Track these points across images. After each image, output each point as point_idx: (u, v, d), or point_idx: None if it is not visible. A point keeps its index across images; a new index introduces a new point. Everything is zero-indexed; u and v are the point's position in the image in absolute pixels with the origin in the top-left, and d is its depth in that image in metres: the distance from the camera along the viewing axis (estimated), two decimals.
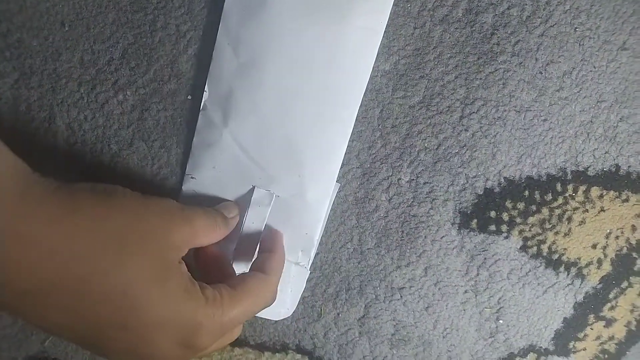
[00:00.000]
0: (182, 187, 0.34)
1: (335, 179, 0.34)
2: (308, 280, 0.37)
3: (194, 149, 0.34)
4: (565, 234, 0.37)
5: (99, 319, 0.23)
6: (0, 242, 0.21)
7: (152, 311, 0.24)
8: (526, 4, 0.33)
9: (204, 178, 0.34)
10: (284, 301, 0.36)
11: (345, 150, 0.34)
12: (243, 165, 0.33)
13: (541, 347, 0.40)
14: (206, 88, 0.33)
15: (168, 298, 0.24)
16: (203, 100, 0.33)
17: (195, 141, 0.34)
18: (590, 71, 0.34)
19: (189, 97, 0.33)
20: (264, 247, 0.33)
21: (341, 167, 0.35)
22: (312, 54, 0.31)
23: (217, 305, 0.26)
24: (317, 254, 0.37)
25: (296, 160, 0.33)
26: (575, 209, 0.37)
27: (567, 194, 0.36)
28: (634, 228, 0.38)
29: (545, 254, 0.38)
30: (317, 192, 0.34)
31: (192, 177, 0.34)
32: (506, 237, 0.37)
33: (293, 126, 0.32)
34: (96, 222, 0.23)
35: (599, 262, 0.38)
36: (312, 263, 0.37)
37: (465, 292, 0.38)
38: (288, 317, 0.37)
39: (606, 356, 0.41)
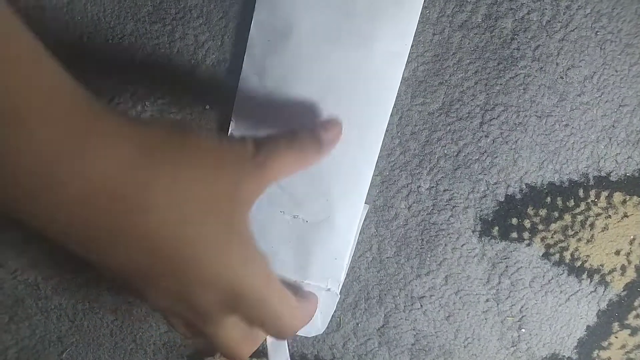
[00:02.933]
0: None
1: (364, 202, 0.34)
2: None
3: None
4: (588, 241, 0.37)
5: (155, 266, 0.22)
6: (65, 185, 0.19)
7: (207, 271, 0.22)
8: (546, 9, 0.32)
9: None
10: (314, 323, 0.36)
11: (372, 173, 0.33)
12: (269, 191, 0.32)
13: (564, 356, 0.39)
14: (232, 117, 0.33)
15: (227, 263, 0.23)
16: (230, 130, 0.33)
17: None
18: (612, 75, 0.33)
19: (207, 107, 0.33)
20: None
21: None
22: (337, 79, 0.31)
23: (270, 288, 0.25)
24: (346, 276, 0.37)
25: (324, 184, 0.33)
26: (598, 215, 0.36)
27: (589, 200, 0.36)
28: None
29: (567, 261, 0.37)
30: (345, 216, 0.34)
31: None
32: (528, 245, 0.36)
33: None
34: (173, 170, 0.21)
35: (623, 268, 0.37)
36: (342, 285, 0.36)
37: (487, 300, 0.37)
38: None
39: None
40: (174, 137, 0.22)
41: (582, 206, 0.36)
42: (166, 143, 0.22)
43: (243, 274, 0.23)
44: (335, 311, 0.37)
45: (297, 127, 0.28)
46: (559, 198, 0.36)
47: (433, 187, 0.35)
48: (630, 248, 0.37)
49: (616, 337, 0.39)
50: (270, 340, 0.36)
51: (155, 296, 0.24)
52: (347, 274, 0.37)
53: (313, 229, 0.34)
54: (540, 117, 0.34)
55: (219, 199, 0.22)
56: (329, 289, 0.35)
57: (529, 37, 0.33)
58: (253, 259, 0.24)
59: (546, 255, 0.37)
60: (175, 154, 0.21)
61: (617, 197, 0.36)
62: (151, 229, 0.21)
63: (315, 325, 0.36)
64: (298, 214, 0.33)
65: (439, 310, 0.37)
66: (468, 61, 0.33)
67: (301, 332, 0.36)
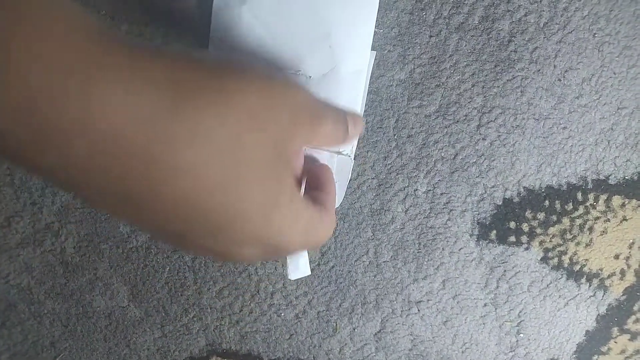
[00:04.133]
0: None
1: (370, 45, 0.30)
2: (323, 289, 0.36)
3: (213, 36, 0.29)
4: (587, 245, 0.36)
5: (192, 231, 0.19)
6: (69, 142, 0.15)
7: (253, 234, 0.20)
8: (543, 11, 0.32)
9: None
10: None
11: (377, 10, 0.29)
12: (267, 46, 0.29)
13: None
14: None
15: (274, 226, 0.20)
16: None
17: (213, 26, 0.29)
18: (610, 77, 0.33)
19: None
20: (314, 185, 0.28)
21: (355, 179, 0.35)
22: None
23: (312, 234, 0.23)
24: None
25: (324, 29, 0.29)
26: (597, 218, 0.36)
27: (588, 203, 0.35)
28: None
29: (566, 265, 0.36)
30: (352, 64, 0.30)
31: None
32: (526, 249, 0.36)
33: None
34: (212, 123, 0.17)
35: (622, 273, 0.37)
36: (350, 177, 0.33)
37: (485, 305, 0.37)
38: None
39: None
40: (213, 79, 0.18)
41: (581, 210, 0.35)
42: (203, 87, 0.17)
43: (289, 236, 0.21)
44: (331, 317, 0.37)
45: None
46: (557, 201, 0.35)
47: (430, 190, 0.35)
48: (630, 252, 0.37)
49: (615, 342, 0.38)
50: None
51: (192, 251, 0.21)
52: (343, 278, 0.36)
53: (318, 84, 0.30)
54: (538, 119, 0.34)
55: (267, 156, 0.19)
56: (341, 152, 0.31)
57: (526, 39, 0.32)
58: (299, 217, 0.22)
59: (544, 260, 0.36)
60: (215, 101, 0.17)
61: (616, 200, 0.35)
62: (187, 194, 0.17)
63: None
64: (300, 69, 0.29)
65: (437, 315, 0.37)
66: (465, 63, 0.33)
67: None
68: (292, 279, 0.33)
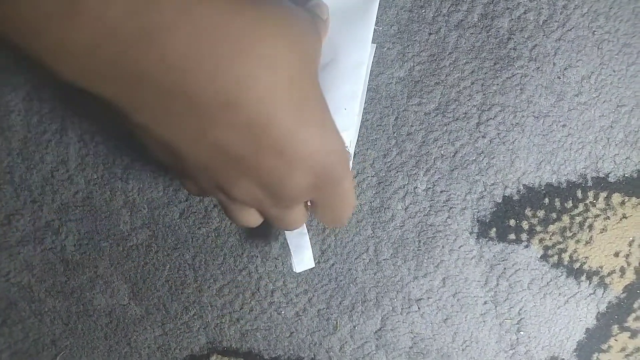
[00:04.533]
0: None
1: (371, 38, 0.29)
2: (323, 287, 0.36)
3: None
4: (587, 242, 0.36)
5: (230, 163, 0.19)
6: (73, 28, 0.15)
7: (296, 151, 0.19)
8: (543, 8, 0.32)
9: None
10: None
11: (378, 1, 0.29)
12: None
13: (563, 359, 0.39)
14: None
15: (313, 137, 0.20)
16: None
17: None
18: (610, 75, 0.33)
19: None
20: None
21: (355, 177, 0.35)
22: None
23: (346, 167, 0.22)
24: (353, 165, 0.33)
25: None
26: (597, 216, 0.36)
27: (587, 201, 0.35)
28: None
29: (566, 262, 0.36)
30: (352, 56, 0.29)
31: None
32: (526, 246, 0.36)
33: None
34: (229, 16, 0.17)
35: (622, 270, 0.37)
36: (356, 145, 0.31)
37: (485, 303, 0.37)
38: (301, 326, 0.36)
39: None
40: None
41: (581, 207, 0.36)
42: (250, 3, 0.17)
43: (329, 148, 0.21)
44: (331, 314, 0.37)
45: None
46: (557, 199, 0.35)
47: (430, 188, 0.35)
48: (630, 249, 0.37)
49: (616, 340, 0.38)
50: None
51: (237, 191, 0.20)
52: (343, 276, 0.36)
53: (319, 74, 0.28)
54: (537, 117, 0.34)
55: (290, 57, 0.18)
56: None
57: (525, 36, 0.32)
58: (332, 126, 0.21)
59: (544, 257, 0.36)
60: (259, 10, 0.17)
61: (616, 198, 0.35)
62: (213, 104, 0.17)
63: None
64: None
65: (437, 313, 0.37)
66: (464, 61, 0.33)
67: None
68: (298, 271, 0.33)
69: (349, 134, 0.30)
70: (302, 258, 0.32)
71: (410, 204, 0.35)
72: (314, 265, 0.33)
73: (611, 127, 0.34)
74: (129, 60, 0.16)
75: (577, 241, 0.36)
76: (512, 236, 0.36)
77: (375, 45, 0.31)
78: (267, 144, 0.19)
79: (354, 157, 0.33)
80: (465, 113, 0.33)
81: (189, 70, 0.16)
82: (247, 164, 0.19)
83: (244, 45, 0.17)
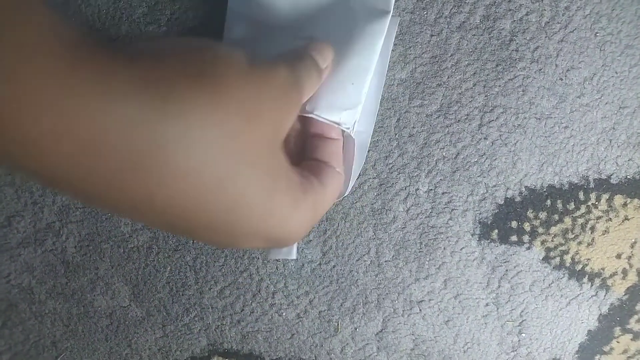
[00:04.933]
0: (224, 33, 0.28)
1: (392, 9, 0.27)
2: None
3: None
4: (589, 244, 0.36)
5: (192, 231, 0.19)
6: (45, 152, 0.15)
7: (255, 228, 0.20)
8: (545, 10, 0.32)
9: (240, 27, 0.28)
10: None
11: None
12: (280, 12, 0.27)
13: None
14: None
15: (276, 217, 0.20)
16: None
17: None
18: (612, 77, 0.33)
19: None
20: (314, 131, 0.27)
21: (357, 178, 0.34)
22: None
23: (309, 209, 0.22)
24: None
25: None
26: (599, 217, 0.36)
27: (590, 203, 0.35)
28: None
29: (568, 264, 0.36)
30: (368, 25, 0.26)
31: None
32: (528, 248, 0.36)
33: None
34: (197, 124, 0.16)
35: (624, 272, 0.37)
36: (358, 131, 0.28)
37: (487, 305, 0.37)
38: (302, 326, 0.36)
39: None
40: (202, 76, 0.17)
41: (583, 209, 0.35)
42: (184, 87, 0.16)
43: (291, 225, 0.21)
44: (332, 316, 0.37)
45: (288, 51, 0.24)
46: (559, 201, 0.35)
47: (431, 189, 0.35)
48: (632, 251, 0.37)
49: (618, 342, 0.38)
50: None
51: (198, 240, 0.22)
52: (344, 278, 0.36)
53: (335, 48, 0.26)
54: (539, 119, 0.34)
55: (258, 148, 0.19)
56: (340, 125, 0.27)
57: (527, 38, 0.32)
58: (299, 200, 0.21)
59: (546, 259, 0.36)
60: (206, 101, 0.17)
61: (618, 199, 0.35)
62: (183, 195, 0.17)
63: None
64: (312, 35, 0.26)
65: (438, 315, 0.37)
66: (466, 63, 0.33)
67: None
68: (271, 258, 0.30)
69: (353, 113, 0.27)
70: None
71: (412, 205, 0.35)
72: (294, 257, 0.29)
73: (613, 128, 0.34)
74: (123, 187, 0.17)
75: (579, 243, 0.36)
76: (514, 238, 0.36)
77: (398, 18, 0.28)
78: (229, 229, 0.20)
79: (371, 137, 0.30)
80: (467, 115, 0.33)
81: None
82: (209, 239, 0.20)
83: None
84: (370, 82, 0.27)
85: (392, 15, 0.27)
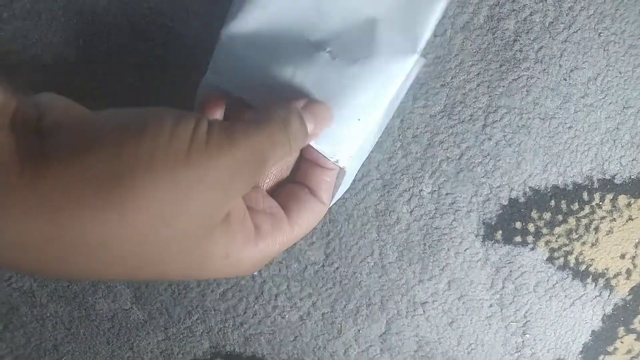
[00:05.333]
0: (221, 33, 0.25)
1: (420, 49, 0.25)
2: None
3: None
4: (593, 244, 0.36)
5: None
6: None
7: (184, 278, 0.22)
8: (549, 10, 0.32)
9: (249, 20, 0.25)
10: None
11: (440, 15, 0.25)
12: (300, 8, 0.24)
13: None
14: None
15: (202, 275, 0.21)
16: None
17: None
18: (616, 77, 0.33)
19: None
20: (308, 157, 0.26)
21: (360, 179, 0.34)
22: None
23: (259, 252, 0.22)
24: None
25: (371, 11, 0.24)
26: (603, 218, 0.36)
27: (594, 203, 0.35)
28: None
29: (572, 265, 0.36)
30: (390, 60, 0.24)
31: (234, 19, 0.25)
32: (532, 249, 0.36)
33: None
34: (122, 225, 0.17)
35: (628, 272, 0.37)
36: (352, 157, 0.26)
37: (491, 306, 0.37)
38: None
39: None
40: (117, 178, 0.17)
41: (587, 209, 0.35)
42: (103, 194, 0.17)
43: (240, 269, 0.22)
44: (336, 318, 0.37)
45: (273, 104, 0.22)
46: (563, 201, 0.35)
47: (435, 190, 0.34)
48: (636, 251, 0.37)
49: (622, 342, 0.38)
50: None
51: None
52: (348, 280, 0.36)
53: (340, 69, 0.24)
54: (543, 119, 0.33)
55: (188, 235, 0.19)
56: (335, 162, 0.25)
57: (531, 38, 0.32)
58: (236, 264, 0.22)
59: (550, 260, 0.36)
60: (118, 206, 0.17)
61: (622, 200, 0.35)
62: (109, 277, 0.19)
63: None
64: (328, 47, 0.24)
65: (442, 316, 0.37)
66: (470, 63, 0.32)
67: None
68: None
69: (351, 148, 0.25)
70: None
71: (416, 206, 0.35)
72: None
73: (617, 128, 0.34)
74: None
75: (583, 243, 0.36)
76: (518, 238, 0.35)
77: (423, 60, 0.26)
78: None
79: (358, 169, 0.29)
80: (471, 115, 0.33)
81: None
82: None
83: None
84: (379, 118, 0.25)
85: (419, 56, 0.25)
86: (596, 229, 0.36)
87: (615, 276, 0.37)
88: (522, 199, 0.35)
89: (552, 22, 0.32)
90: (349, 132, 0.25)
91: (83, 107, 0.19)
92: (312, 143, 0.24)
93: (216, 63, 0.26)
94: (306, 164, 0.26)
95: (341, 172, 0.26)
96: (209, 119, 0.19)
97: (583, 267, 0.36)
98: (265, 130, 0.20)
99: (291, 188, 0.25)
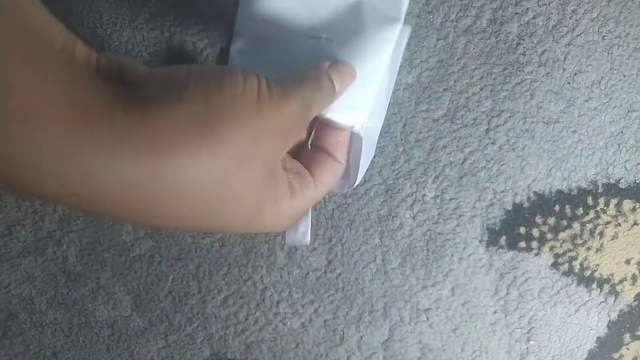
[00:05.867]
0: (231, 48, 0.29)
1: (403, 16, 0.27)
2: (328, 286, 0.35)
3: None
4: (598, 250, 0.36)
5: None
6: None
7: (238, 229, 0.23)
8: (552, 13, 0.32)
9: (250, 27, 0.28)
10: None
11: None
12: (291, 6, 0.27)
13: None
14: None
15: (256, 226, 0.23)
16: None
17: None
18: (620, 80, 0.33)
19: None
20: (323, 120, 0.28)
21: (362, 184, 0.34)
22: None
23: (293, 207, 0.24)
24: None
25: None
26: (607, 223, 0.35)
27: (598, 208, 0.35)
28: None
29: (577, 270, 0.36)
30: (378, 30, 0.27)
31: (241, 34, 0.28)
32: (537, 254, 0.35)
33: None
34: (203, 170, 0.19)
35: (634, 278, 0.36)
36: (366, 127, 0.28)
37: (495, 312, 0.36)
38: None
39: None
40: (192, 136, 0.18)
41: (591, 214, 0.35)
42: (182, 149, 0.18)
43: (278, 223, 0.24)
44: (338, 325, 0.36)
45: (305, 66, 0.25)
46: (567, 206, 0.35)
47: (438, 195, 0.34)
48: None
49: (628, 349, 0.38)
50: None
51: None
52: (350, 286, 0.36)
53: (339, 51, 0.27)
54: (547, 123, 0.33)
55: (254, 183, 0.21)
56: (352, 127, 0.27)
57: (535, 42, 0.32)
58: (283, 213, 0.24)
59: (555, 265, 0.36)
60: (200, 152, 0.19)
61: (627, 204, 0.35)
62: (174, 222, 0.20)
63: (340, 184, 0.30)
64: (324, 34, 0.27)
65: (446, 323, 0.36)
66: (473, 67, 0.32)
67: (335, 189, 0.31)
68: (287, 243, 0.30)
69: (363, 114, 0.27)
70: (296, 230, 0.29)
71: (419, 212, 0.34)
72: (307, 243, 0.29)
73: (622, 132, 0.34)
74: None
75: (588, 249, 0.36)
76: (522, 244, 0.35)
77: (409, 27, 0.28)
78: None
79: (377, 140, 0.31)
80: (474, 119, 0.33)
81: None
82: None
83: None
84: (381, 82, 0.27)
85: (403, 24, 0.27)
86: (601, 234, 0.35)
87: (620, 282, 0.36)
88: (526, 204, 0.34)
89: (555, 25, 0.32)
90: (359, 99, 0.27)
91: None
92: (329, 116, 0.27)
93: (237, 42, 0.29)
94: (320, 127, 0.28)
95: (358, 137, 0.28)
96: (265, 77, 0.21)
97: (588, 273, 0.36)
98: (307, 85, 0.23)
99: (310, 151, 0.27)
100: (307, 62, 0.26)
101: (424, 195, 0.34)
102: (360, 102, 0.27)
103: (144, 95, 0.19)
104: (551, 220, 0.35)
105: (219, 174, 0.19)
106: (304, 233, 0.29)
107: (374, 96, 0.27)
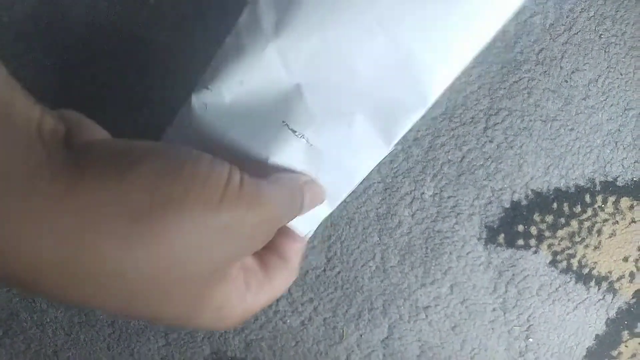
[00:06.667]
0: (192, 97, 0.25)
1: (393, 145, 0.25)
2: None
3: (222, 52, 0.24)
4: (596, 247, 0.36)
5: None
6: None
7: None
8: (549, 12, 0.32)
9: (223, 93, 0.24)
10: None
11: (418, 119, 0.24)
12: (281, 91, 0.24)
13: None
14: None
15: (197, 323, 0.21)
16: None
17: (227, 41, 0.24)
18: (617, 78, 0.33)
19: None
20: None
21: (361, 183, 0.34)
22: None
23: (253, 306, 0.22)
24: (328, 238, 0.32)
25: (352, 106, 0.24)
26: (605, 220, 0.35)
27: (596, 206, 0.35)
28: None
29: (575, 268, 0.36)
30: (362, 151, 0.25)
31: (207, 88, 0.24)
32: (535, 252, 0.35)
33: (366, 63, 0.23)
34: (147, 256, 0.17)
35: (632, 275, 0.37)
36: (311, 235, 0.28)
37: (494, 310, 0.36)
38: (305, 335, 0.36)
39: None
40: (129, 218, 0.16)
41: (589, 212, 0.35)
42: (148, 220, 0.16)
43: (235, 316, 0.22)
44: (337, 323, 0.36)
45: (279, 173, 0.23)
46: (565, 204, 0.35)
47: (437, 193, 0.34)
48: (639, 254, 0.36)
49: (626, 346, 0.38)
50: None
51: None
52: (350, 284, 0.36)
53: (314, 156, 0.25)
54: (545, 121, 0.33)
55: (201, 278, 0.19)
56: (309, 232, 0.27)
57: (532, 40, 0.32)
58: (234, 310, 0.22)
59: (553, 263, 0.36)
60: (162, 236, 0.17)
61: (624, 202, 0.35)
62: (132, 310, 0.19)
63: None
64: (305, 133, 0.25)
65: (445, 321, 0.36)
66: (471, 65, 0.32)
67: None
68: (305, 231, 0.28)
69: (315, 224, 0.27)
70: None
71: (417, 210, 0.35)
72: (311, 233, 0.28)
73: (619, 130, 0.34)
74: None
75: (586, 246, 0.36)
76: (521, 242, 0.35)
77: (390, 149, 0.26)
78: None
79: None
80: (473, 118, 0.33)
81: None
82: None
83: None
84: (339, 201, 0.27)
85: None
86: (599, 232, 0.36)
87: (618, 279, 0.37)
88: (524, 202, 0.35)
89: (552, 24, 0.32)
90: (317, 211, 0.26)
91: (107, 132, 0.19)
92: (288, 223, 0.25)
93: (181, 121, 0.26)
94: (279, 237, 0.26)
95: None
96: (240, 171, 0.19)
97: (586, 271, 0.36)
98: (283, 195, 0.21)
99: (266, 254, 0.25)
100: (279, 154, 0.24)
101: (423, 193, 0.34)
102: (317, 215, 0.26)
103: (86, 163, 0.16)
104: (549, 218, 0.35)
105: (149, 269, 0.17)
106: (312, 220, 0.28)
107: (332, 207, 0.27)
